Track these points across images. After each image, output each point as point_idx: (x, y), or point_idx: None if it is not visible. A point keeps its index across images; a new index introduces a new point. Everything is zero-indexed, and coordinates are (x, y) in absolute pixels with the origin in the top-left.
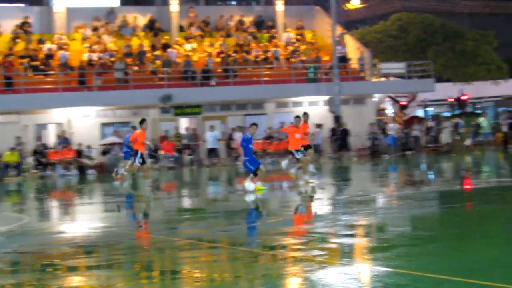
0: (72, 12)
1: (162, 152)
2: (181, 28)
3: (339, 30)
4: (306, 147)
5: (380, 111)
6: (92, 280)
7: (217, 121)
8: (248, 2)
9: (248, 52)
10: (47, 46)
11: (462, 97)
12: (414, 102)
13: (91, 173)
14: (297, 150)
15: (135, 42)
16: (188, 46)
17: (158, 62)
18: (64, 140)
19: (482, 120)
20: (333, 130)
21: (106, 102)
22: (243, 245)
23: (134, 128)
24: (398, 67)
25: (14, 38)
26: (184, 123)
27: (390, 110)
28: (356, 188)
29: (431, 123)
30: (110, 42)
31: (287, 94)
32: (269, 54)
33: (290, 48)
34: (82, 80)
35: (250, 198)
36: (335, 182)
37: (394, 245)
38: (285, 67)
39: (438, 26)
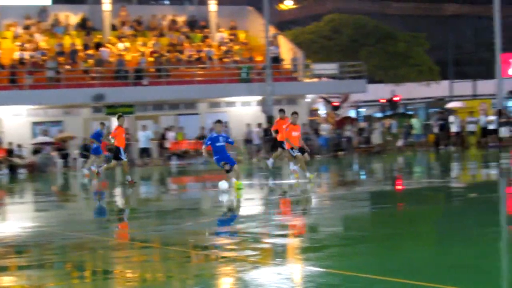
0: (3, 10)
1: None
2: (114, 27)
3: (272, 30)
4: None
5: (313, 112)
6: (23, 280)
7: (150, 120)
8: (181, 2)
9: (181, 52)
10: None
11: (394, 98)
12: (346, 103)
13: (22, 172)
14: (291, 148)
15: (67, 41)
16: (121, 46)
17: (90, 61)
18: None
19: (414, 121)
20: (266, 131)
21: (37, 101)
22: (175, 245)
23: (103, 124)
24: (331, 67)
25: None
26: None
27: (322, 110)
28: (288, 188)
29: (363, 124)
30: (42, 40)
31: (220, 94)
32: (202, 54)
33: (223, 48)
34: (13, 79)
35: (224, 197)
36: (267, 182)
37: (326, 245)
38: (218, 67)
39: (371, 28)
